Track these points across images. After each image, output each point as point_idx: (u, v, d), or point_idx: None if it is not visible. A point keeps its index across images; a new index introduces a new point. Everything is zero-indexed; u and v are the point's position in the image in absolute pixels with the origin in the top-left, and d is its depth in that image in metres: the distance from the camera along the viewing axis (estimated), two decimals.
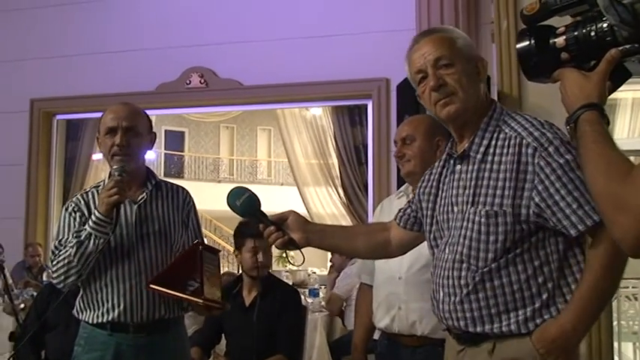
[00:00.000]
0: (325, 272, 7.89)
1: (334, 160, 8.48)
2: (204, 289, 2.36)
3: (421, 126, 2.66)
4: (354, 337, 2.94)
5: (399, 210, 2.13)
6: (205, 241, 2.78)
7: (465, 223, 1.76)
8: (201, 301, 2.37)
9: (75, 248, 2.40)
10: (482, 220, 1.71)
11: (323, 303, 5.91)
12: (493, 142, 1.76)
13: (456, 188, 1.82)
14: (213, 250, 2.56)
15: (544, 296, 1.68)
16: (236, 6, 6.50)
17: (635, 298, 6.92)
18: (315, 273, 8.81)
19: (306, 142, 9.24)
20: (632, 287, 6.69)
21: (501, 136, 1.75)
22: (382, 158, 5.98)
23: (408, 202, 2.12)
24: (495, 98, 2.18)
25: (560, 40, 1.37)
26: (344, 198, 8.14)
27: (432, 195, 1.94)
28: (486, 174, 1.73)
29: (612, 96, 1.37)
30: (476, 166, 1.77)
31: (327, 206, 8.73)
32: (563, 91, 1.38)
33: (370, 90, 6.08)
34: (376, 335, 2.84)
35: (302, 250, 2.02)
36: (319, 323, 5.12)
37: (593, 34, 1.31)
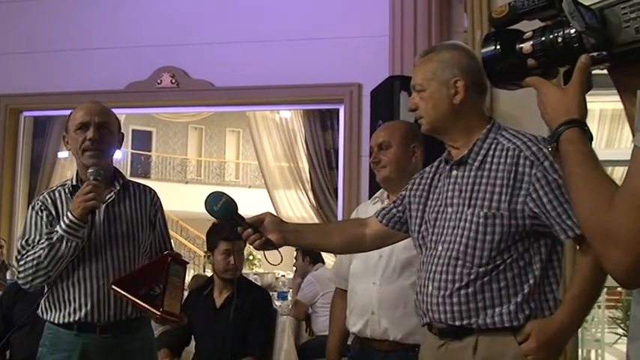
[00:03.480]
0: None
1: (304, 164, 8.47)
2: (164, 301, 2.35)
3: (397, 132, 2.69)
4: (328, 341, 2.95)
5: (382, 208, 2.25)
6: (172, 242, 2.77)
7: (461, 223, 1.91)
8: (158, 312, 2.36)
9: (46, 250, 2.37)
10: (481, 220, 1.86)
11: (291, 306, 5.92)
12: (491, 152, 1.92)
13: (451, 191, 1.97)
14: (182, 262, 2.54)
15: (526, 291, 1.84)
16: (210, 7, 6.47)
17: (598, 307, 7.05)
18: (283, 276, 8.80)
19: (276, 144, 9.23)
20: None
21: (499, 147, 1.92)
22: (353, 163, 5.99)
23: (393, 202, 2.23)
24: None
25: (526, 46, 1.31)
26: (314, 202, 8.14)
27: (423, 198, 2.08)
28: (484, 180, 1.89)
29: (590, 107, 1.32)
30: (473, 172, 1.93)
31: (297, 209, 8.73)
32: (541, 108, 1.31)
33: (342, 95, 6.09)
34: (350, 341, 2.85)
35: (279, 249, 2.10)
36: (287, 326, 5.09)
37: (560, 40, 1.25)
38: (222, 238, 3.44)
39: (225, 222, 2.21)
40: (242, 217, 2.05)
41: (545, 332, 1.80)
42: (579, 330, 5.29)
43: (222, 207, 2.02)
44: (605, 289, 7.20)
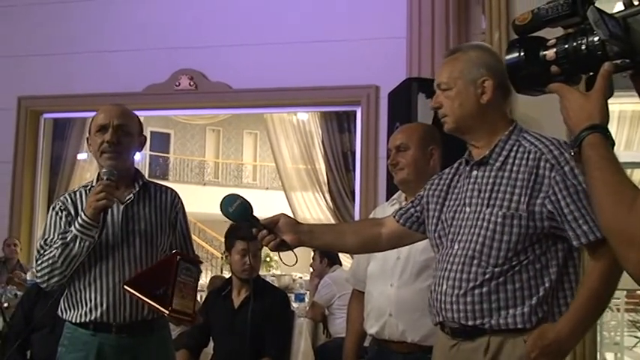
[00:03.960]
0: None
1: (321, 166, 8.49)
2: (173, 301, 2.35)
3: (415, 134, 2.69)
4: (345, 343, 2.95)
5: (399, 208, 2.25)
6: (192, 244, 2.77)
7: (479, 222, 1.91)
8: (167, 312, 2.35)
9: (60, 250, 2.39)
10: (499, 220, 1.87)
11: (308, 308, 5.92)
12: (512, 154, 1.93)
13: (470, 191, 1.98)
14: (194, 261, 2.54)
15: (541, 294, 1.84)
16: (228, 9, 6.51)
17: (617, 310, 6.99)
18: (300, 278, 8.80)
19: (293, 146, 9.26)
20: (614, 298, 6.76)
21: (520, 149, 1.93)
22: (370, 165, 6.00)
23: (410, 202, 2.24)
24: None
25: (550, 53, 1.34)
26: (331, 204, 8.16)
27: (441, 198, 2.09)
28: (504, 180, 1.90)
29: (610, 108, 1.34)
30: (493, 173, 1.94)
31: (314, 211, 8.75)
32: (564, 113, 1.33)
33: (359, 97, 6.10)
34: (367, 342, 2.85)
35: (294, 250, 2.11)
36: (304, 328, 5.10)
37: (583, 47, 1.27)
38: (239, 237, 3.46)
39: (241, 224, 2.22)
40: (257, 219, 2.08)
41: (543, 338, 1.79)
42: (597, 333, 5.26)
43: (237, 209, 2.05)
44: (624, 292, 7.15)
